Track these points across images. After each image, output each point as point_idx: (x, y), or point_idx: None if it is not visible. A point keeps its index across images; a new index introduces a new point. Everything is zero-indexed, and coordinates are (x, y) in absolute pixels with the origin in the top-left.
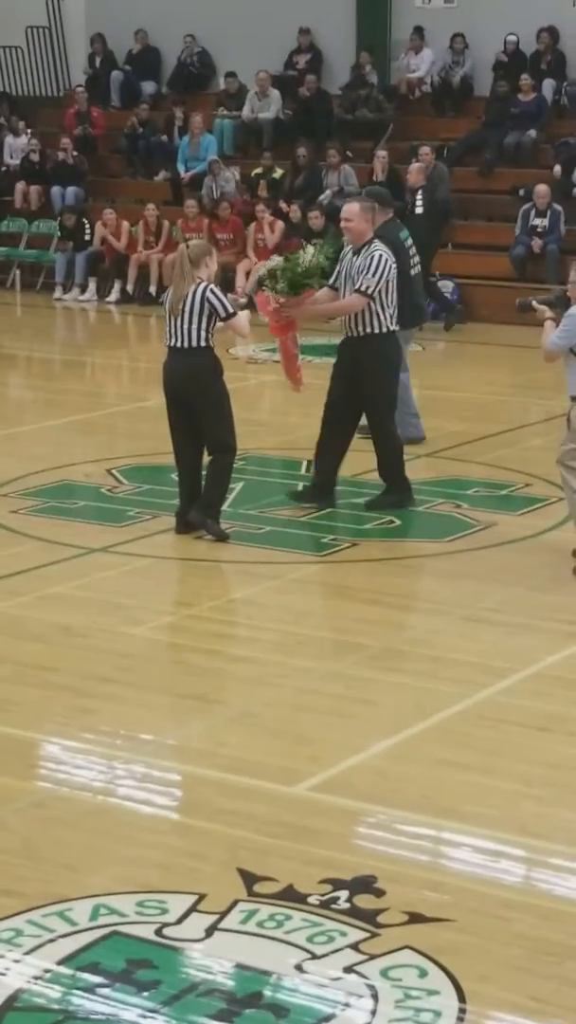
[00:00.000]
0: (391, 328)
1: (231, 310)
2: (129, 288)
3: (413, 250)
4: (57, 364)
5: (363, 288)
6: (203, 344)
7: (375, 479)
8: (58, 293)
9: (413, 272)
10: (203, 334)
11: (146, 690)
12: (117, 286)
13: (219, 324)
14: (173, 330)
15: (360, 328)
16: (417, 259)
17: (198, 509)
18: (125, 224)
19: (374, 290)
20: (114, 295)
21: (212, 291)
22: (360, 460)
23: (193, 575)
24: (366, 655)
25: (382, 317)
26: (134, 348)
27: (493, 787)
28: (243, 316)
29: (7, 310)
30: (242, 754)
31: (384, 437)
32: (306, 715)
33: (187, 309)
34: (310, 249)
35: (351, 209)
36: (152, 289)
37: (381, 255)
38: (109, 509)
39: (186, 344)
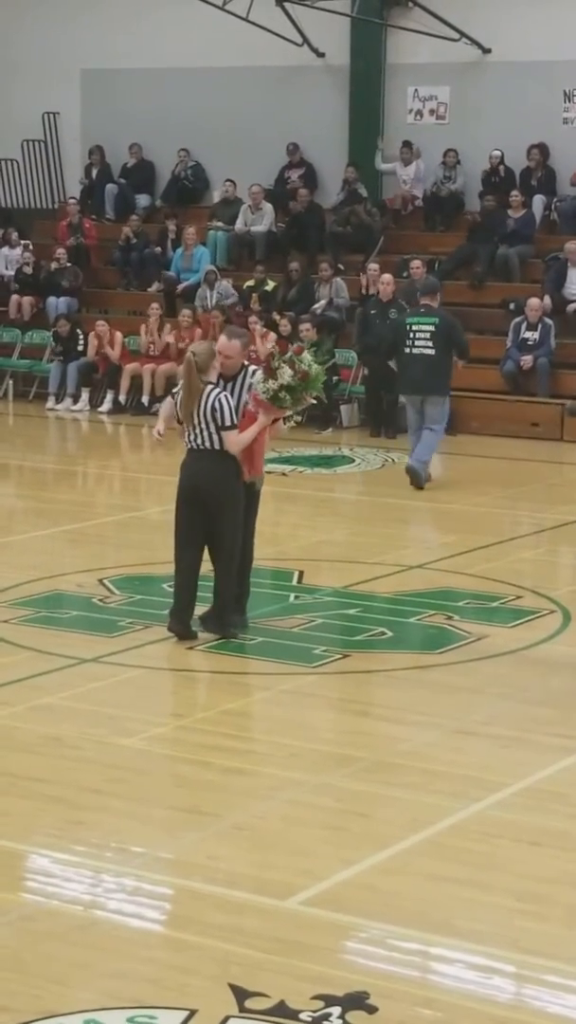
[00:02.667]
0: None
1: (228, 423)
2: (121, 398)
3: (415, 334)
4: (49, 474)
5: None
6: (222, 447)
7: (363, 590)
8: (51, 403)
9: (408, 351)
10: (220, 438)
11: (137, 802)
12: (110, 396)
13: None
14: (192, 435)
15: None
16: (423, 341)
17: (220, 615)
18: (118, 335)
19: None
20: (106, 405)
21: (220, 400)
22: (349, 572)
23: (185, 686)
24: (358, 767)
25: None
26: (126, 458)
27: (486, 902)
28: (234, 435)
29: (0, 420)
30: (233, 867)
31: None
32: (298, 828)
33: (201, 416)
34: (307, 357)
35: (233, 347)
36: (145, 399)
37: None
38: (101, 619)
39: (207, 445)
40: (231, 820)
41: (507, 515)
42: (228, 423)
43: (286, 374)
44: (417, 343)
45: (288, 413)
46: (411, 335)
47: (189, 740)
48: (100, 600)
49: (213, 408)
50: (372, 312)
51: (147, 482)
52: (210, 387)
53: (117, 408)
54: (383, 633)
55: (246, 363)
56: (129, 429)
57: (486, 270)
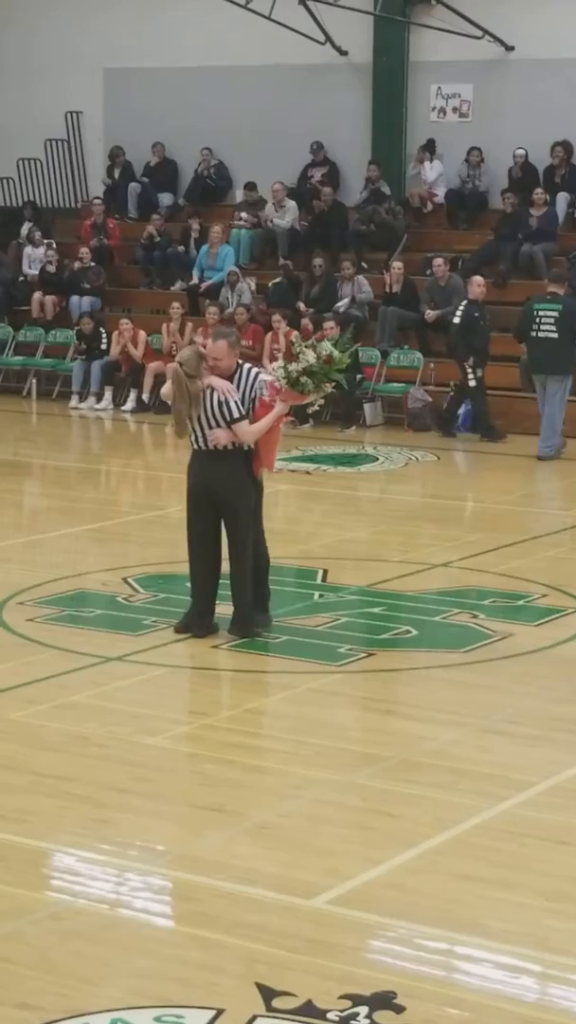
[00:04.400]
0: None
1: (237, 414)
2: (145, 397)
3: (541, 318)
4: (73, 472)
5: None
6: (234, 446)
7: (387, 588)
8: (74, 402)
9: (535, 334)
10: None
11: (162, 801)
12: (133, 395)
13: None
14: (200, 437)
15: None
16: (548, 325)
17: (241, 616)
18: (142, 334)
19: None
20: (130, 404)
21: (223, 393)
22: (373, 570)
23: (209, 685)
24: (383, 766)
25: None
26: (149, 457)
27: (513, 901)
28: (245, 425)
29: (24, 418)
30: (259, 866)
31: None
32: (323, 827)
33: (208, 416)
34: (327, 344)
35: (219, 348)
36: None
37: (259, 373)
38: (125, 618)
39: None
40: (256, 819)
41: (532, 513)
42: (237, 414)
43: (309, 356)
44: (543, 327)
45: (309, 399)
46: (537, 319)
47: (213, 739)
48: (124, 598)
49: (219, 403)
50: (475, 315)
51: (170, 480)
52: (211, 389)
53: (140, 407)
54: (408, 632)
55: (240, 362)
56: (152, 428)
57: (510, 268)
